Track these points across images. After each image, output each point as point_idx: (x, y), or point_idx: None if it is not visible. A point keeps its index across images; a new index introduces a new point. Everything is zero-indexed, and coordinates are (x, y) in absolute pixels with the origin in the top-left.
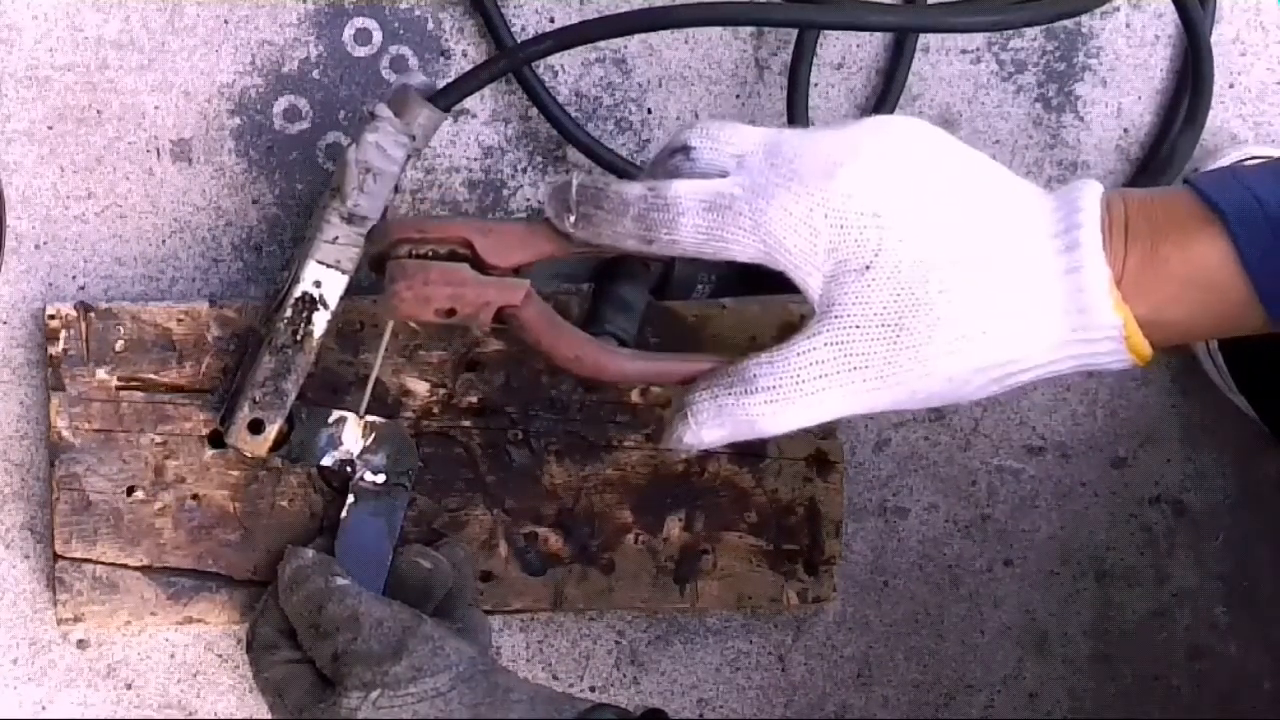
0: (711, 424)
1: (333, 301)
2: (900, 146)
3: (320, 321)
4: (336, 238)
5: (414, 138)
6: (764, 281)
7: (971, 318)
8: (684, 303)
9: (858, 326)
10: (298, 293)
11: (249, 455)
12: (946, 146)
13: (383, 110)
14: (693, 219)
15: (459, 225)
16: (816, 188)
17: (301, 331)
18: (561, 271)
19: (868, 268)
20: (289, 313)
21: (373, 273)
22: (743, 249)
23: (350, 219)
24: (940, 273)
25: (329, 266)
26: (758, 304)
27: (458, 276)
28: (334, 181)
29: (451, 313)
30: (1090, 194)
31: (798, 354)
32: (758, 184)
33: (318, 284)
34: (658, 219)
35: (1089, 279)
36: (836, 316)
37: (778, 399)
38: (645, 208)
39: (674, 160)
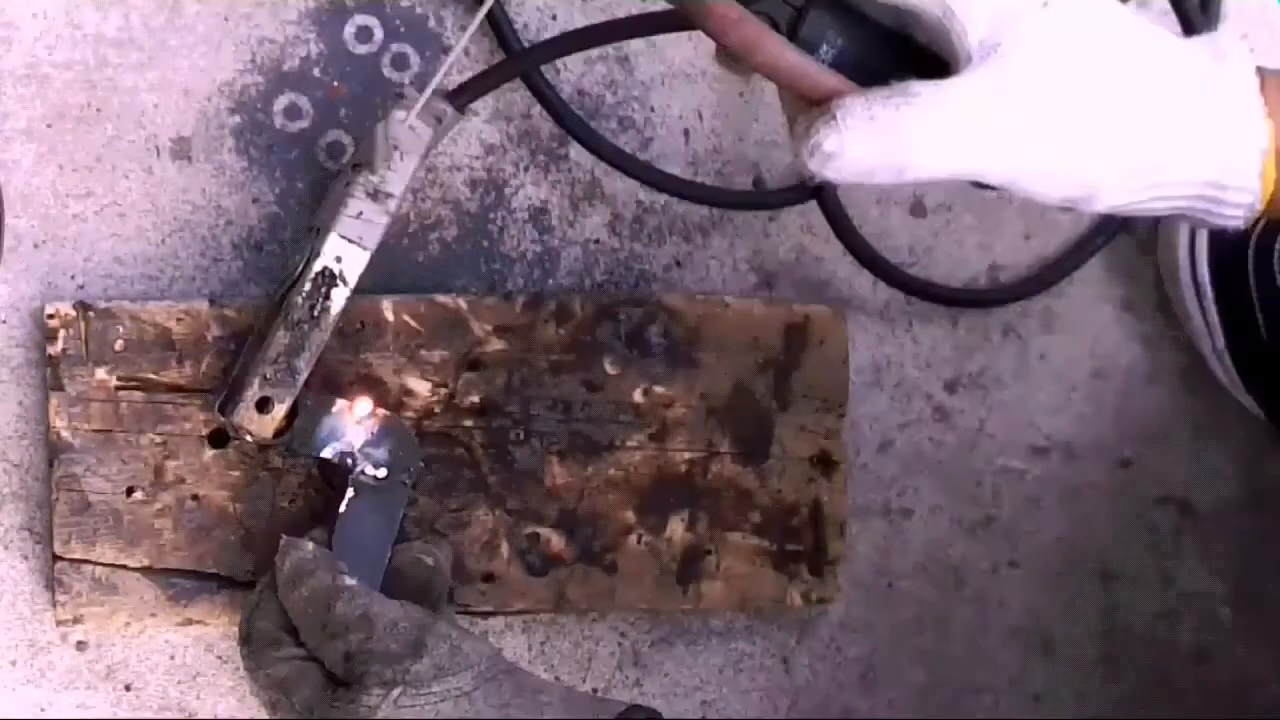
0: (860, 130)
1: (353, 278)
2: None
3: (339, 298)
4: (361, 213)
5: (441, 120)
6: (891, 62)
7: (1137, 88)
8: (686, 302)
9: (1028, 66)
10: (318, 267)
11: (252, 435)
12: None
13: (411, 91)
14: None
15: None
16: None
17: (320, 308)
18: None
19: (1045, 4)
20: (308, 287)
21: None
22: None
23: (375, 195)
24: (1110, 36)
25: (351, 242)
26: (760, 303)
27: None
28: (358, 156)
29: None
30: (1221, 33)
31: (964, 84)
32: None
33: (339, 259)
34: None
35: (1241, 84)
36: (1004, 56)
37: (936, 120)
38: None
39: None
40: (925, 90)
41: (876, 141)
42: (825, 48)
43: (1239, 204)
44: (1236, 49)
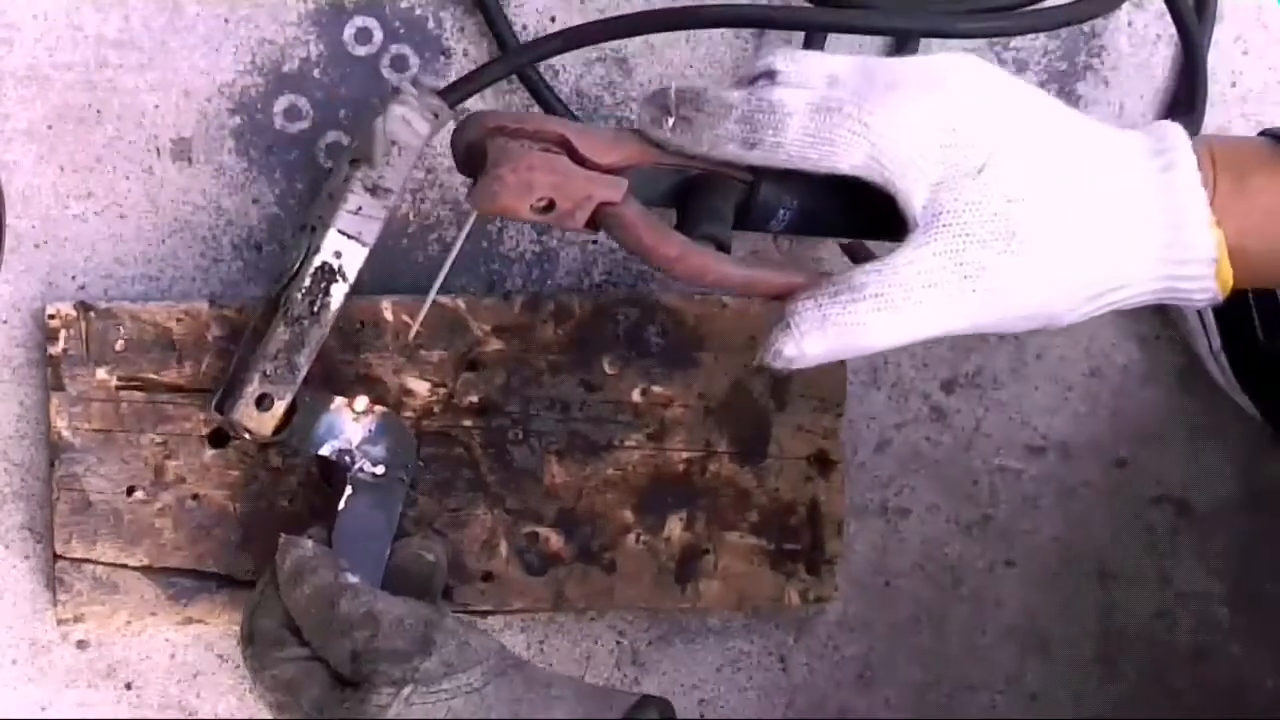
0: (815, 333)
1: (352, 274)
2: (989, 71)
3: (338, 294)
4: (360, 208)
5: (437, 116)
6: (847, 212)
7: (1080, 228)
8: (684, 302)
9: (968, 234)
10: (317, 262)
11: (251, 433)
12: (1020, 82)
13: (408, 86)
14: (800, 121)
15: (554, 121)
16: (924, 96)
17: (319, 303)
18: (641, 195)
19: (980, 171)
20: (307, 283)
21: (459, 169)
22: (848, 154)
23: (374, 190)
24: (1050, 183)
25: (350, 237)
26: (757, 303)
27: (561, 166)
28: (356, 152)
29: (549, 207)
30: (1175, 129)
31: (906, 262)
32: (862, 93)
33: (338, 254)
34: (763, 120)
35: (1187, 197)
36: (945, 225)
37: (885, 306)
38: (750, 109)
39: (757, 85)
40: (870, 280)
41: (831, 339)
42: (782, 212)
43: (1199, 299)
44: (1183, 156)
